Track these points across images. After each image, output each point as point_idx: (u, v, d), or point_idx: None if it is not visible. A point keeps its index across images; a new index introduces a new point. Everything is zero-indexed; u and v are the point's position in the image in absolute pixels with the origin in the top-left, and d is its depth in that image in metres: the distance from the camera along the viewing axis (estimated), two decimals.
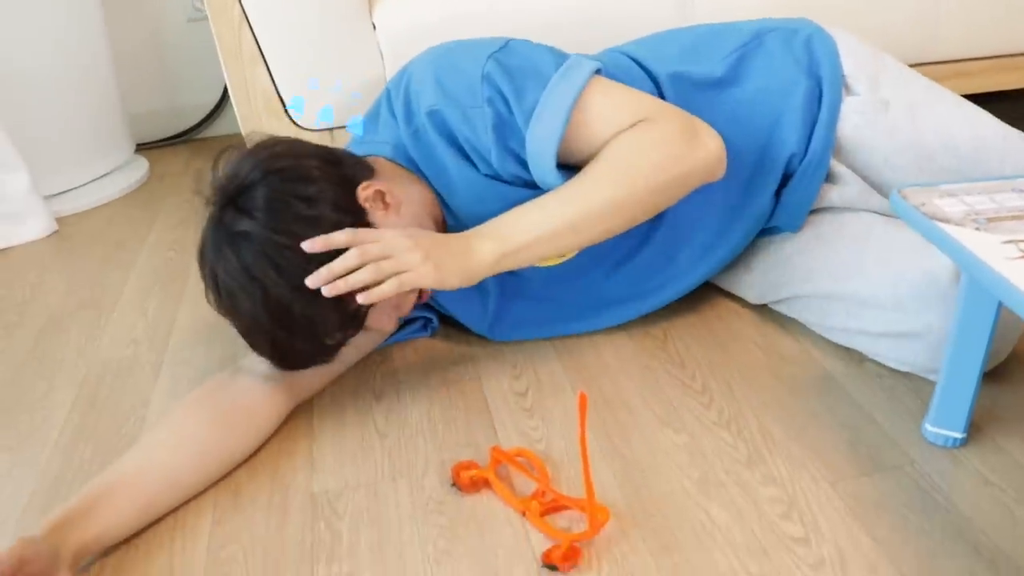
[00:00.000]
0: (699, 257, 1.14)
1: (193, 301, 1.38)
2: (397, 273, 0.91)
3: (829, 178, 1.12)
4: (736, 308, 1.20)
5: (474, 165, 1.02)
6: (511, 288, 1.13)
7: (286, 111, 1.33)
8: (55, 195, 1.86)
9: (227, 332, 1.26)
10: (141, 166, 2.06)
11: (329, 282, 0.89)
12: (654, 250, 1.12)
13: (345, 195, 0.96)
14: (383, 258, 0.91)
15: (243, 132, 1.37)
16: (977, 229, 0.79)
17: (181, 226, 1.71)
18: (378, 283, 0.91)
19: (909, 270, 0.98)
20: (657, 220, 1.10)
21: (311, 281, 0.89)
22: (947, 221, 0.81)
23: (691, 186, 0.99)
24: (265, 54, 1.29)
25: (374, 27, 1.30)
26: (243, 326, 0.95)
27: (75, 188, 1.91)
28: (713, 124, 1.08)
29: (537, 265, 0.99)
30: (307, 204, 0.92)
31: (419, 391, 1.08)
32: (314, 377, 1.06)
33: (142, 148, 2.21)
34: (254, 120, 1.35)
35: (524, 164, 1.00)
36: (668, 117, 0.97)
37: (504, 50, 1.00)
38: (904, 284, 0.98)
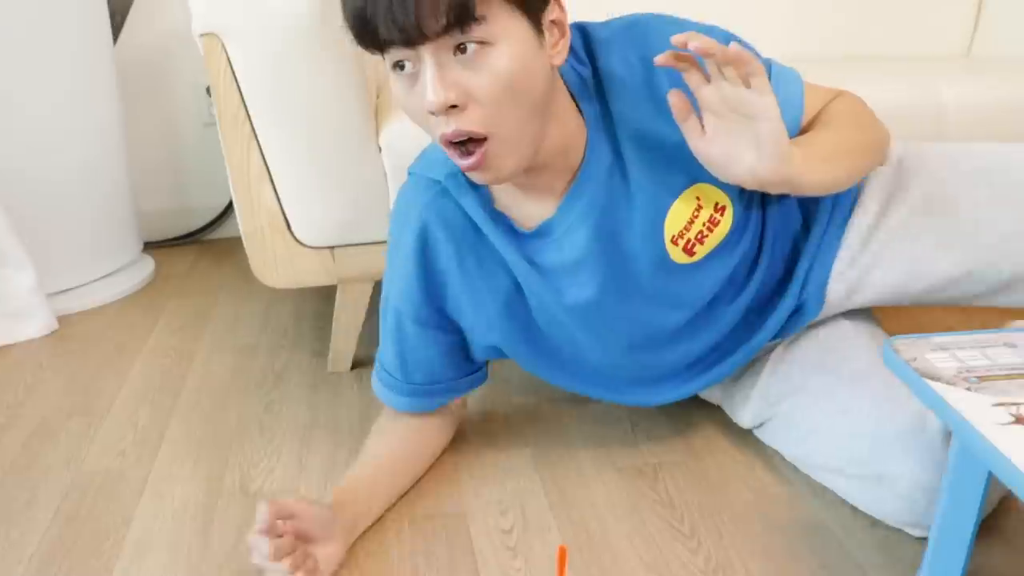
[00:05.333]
0: (741, 326, 1.10)
1: (185, 413, 1.37)
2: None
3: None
4: (727, 446, 1.18)
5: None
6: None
7: (289, 229, 1.34)
8: (59, 292, 1.87)
9: (214, 450, 1.25)
10: (147, 266, 2.08)
11: (692, 44, 0.78)
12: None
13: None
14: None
15: (246, 246, 1.39)
16: (968, 389, 0.79)
17: (181, 331, 1.71)
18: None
19: (900, 412, 0.97)
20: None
21: (678, 39, 0.79)
22: (938, 379, 0.80)
23: (879, 154, 1.03)
24: (272, 173, 1.31)
25: (380, 149, 1.33)
26: None
27: (80, 286, 1.92)
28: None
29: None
30: None
31: (403, 523, 1.05)
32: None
33: (149, 247, 2.23)
34: (257, 236, 1.37)
35: None
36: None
37: None
38: (890, 424, 0.96)
